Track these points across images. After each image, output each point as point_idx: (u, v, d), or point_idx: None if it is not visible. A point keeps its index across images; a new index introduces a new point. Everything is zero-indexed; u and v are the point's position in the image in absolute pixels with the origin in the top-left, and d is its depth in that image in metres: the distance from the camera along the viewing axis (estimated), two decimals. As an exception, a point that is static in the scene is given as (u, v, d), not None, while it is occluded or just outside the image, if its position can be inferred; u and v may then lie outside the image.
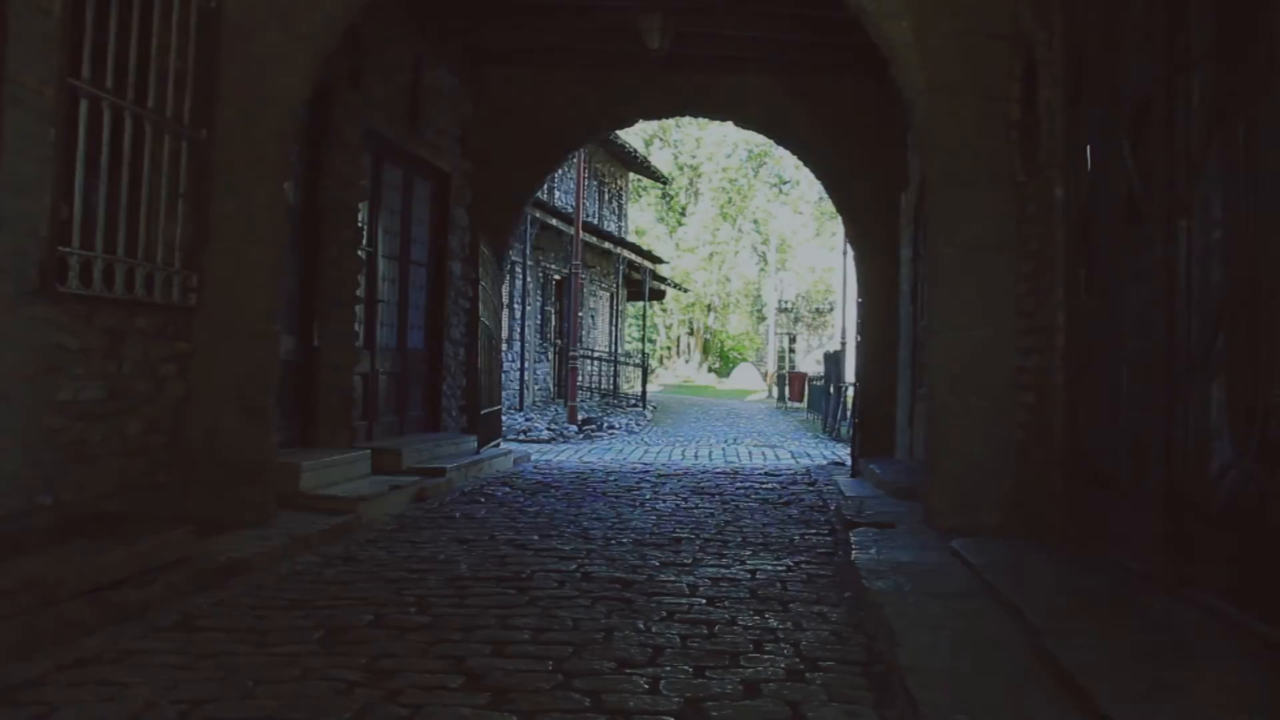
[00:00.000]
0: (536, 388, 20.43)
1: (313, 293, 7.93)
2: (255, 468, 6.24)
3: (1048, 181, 5.97)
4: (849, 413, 16.97)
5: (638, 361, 26.30)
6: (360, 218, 8.50)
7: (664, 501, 8.05)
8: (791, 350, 47.29)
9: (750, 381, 39.84)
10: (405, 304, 10.06)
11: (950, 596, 4.80)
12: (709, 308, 46.33)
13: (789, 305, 46.90)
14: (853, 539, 6.22)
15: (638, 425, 17.96)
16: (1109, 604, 4.38)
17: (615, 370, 23.57)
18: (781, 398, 27.35)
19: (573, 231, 19.93)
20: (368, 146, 8.72)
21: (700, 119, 14.13)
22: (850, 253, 22.90)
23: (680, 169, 43.26)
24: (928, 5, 6.58)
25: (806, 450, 13.80)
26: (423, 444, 9.27)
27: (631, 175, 27.42)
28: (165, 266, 5.77)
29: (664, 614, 4.52)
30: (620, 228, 26.17)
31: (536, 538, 6.34)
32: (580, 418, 17.09)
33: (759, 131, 12.01)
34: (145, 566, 4.82)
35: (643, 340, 28.59)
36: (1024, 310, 6.50)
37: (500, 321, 12.39)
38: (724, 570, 5.54)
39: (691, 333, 47.09)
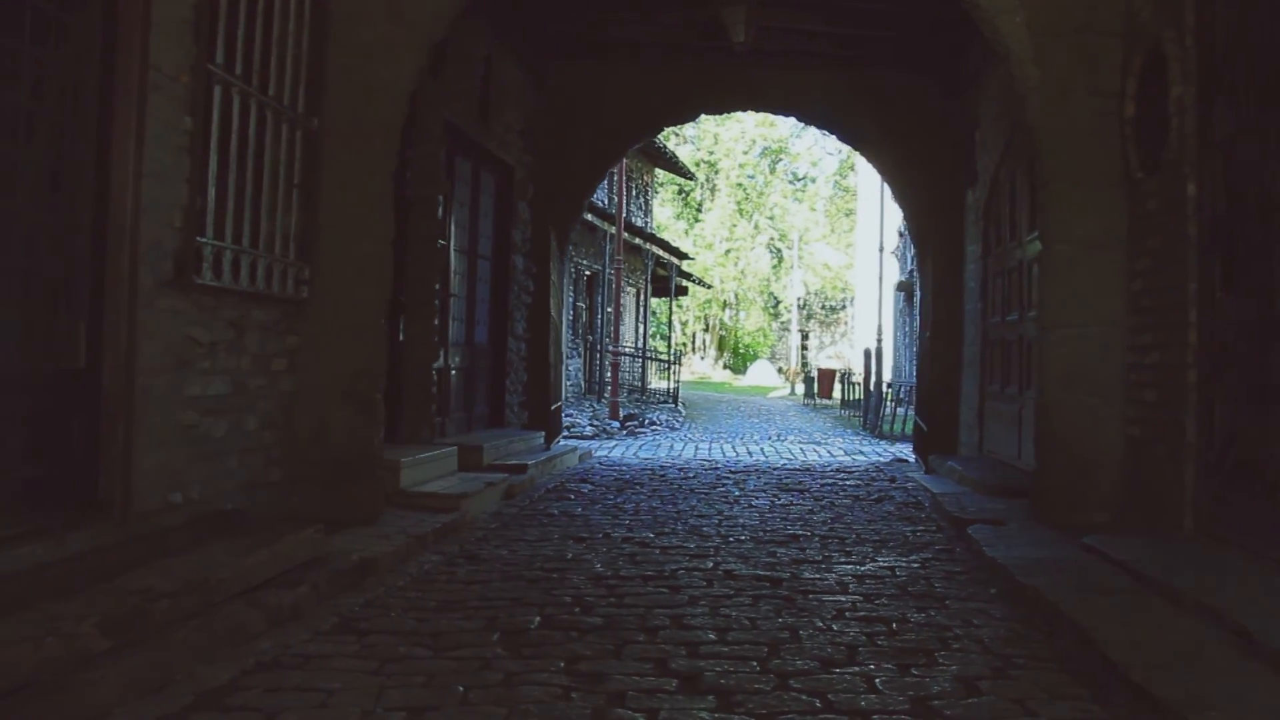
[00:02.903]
0: (569, 384, 20.26)
1: (398, 287, 7.77)
2: (365, 464, 6.10)
3: (1178, 178, 5.83)
4: (893, 409, 16.88)
5: (660, 356, 26.19)
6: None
7: (757, 499, 7.91)
8: (804, 347, 47.18)
9: (767, 378, 39.66)
10: (473, 298, 9.91)
11: (1112, 592, 4.68)
12: (724, 304, 46.16)
13: (803, 302, 46.80)
14: (975, 536, 6.10)
15: (677, 422, 17.81)
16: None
17: (644, 366, 23.44)
18: (809, 394, 27.22)
19: (604, 227, 19.79)
20: (443, 138, 8.57)
21: (753, 113, 13.91)
22: (886, 249, 22.86)
23: (697, 165, 43.04)
24: (1042, 1, 6.46)
25: (859, 448, 13.64)
26: (497, 440, 9.13)
27: (656, 170, 27.30)
28: (282, 258, 5.63)
29: (833, 612, 4.40)
30: (647, 223, 26.05)
31: (651, 535, 6.21)
32: (621, 414, 16.94)
33: (821, 127, 11.86)
34: (285, 567, 4.69)
35: (669, 336, 28.43)
36: (1140, 307, 6.38)
37: (563, 316, 12.25)
38: (860, 568, 5.41)
39: (707, 329, 46.92)
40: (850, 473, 10.03)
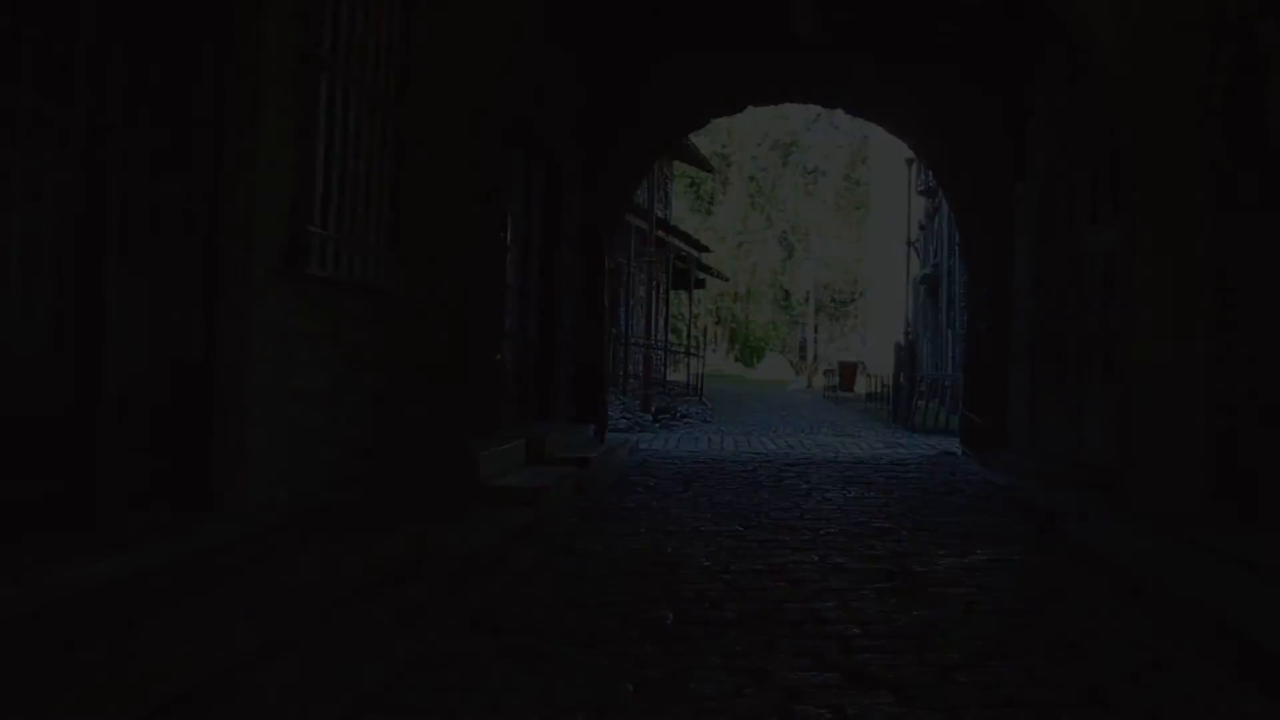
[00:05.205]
0: (594, 378, 20.14)
1: (467, 279, 7.68)
2: (452, 458, 6.04)
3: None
4: (925, 403, 16.82)
5: (676, 348, 26.10)
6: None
7: (826, 492, 7.84)
8: (815, 340, 47.12)
9: (780, 371, 39.58)
10: (524, 290, 9.82)
11: (1238, 585, 4.61)
12: (736, 297, 46.04)
13: (814, 295, 46.71)
14: (1066, 528, 6.04)
15: (708, 415, 17.74)
16: None
17: (665, 359, 23.35)
18: (831, 387, 27.16)
19: (629, 219, 19.65)
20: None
21: (802, 105, 13.81)
22: (913, 241, 22.77)
23: (710, 158, 42.87)
24: (1128, -7, 6.40)
25: (898, 441, 13.56)
26: (554, 433, 9.05)
27: (673, 163, 27.14)
28: (375, 248, 5.54)
29: (960, 605, 4.35)
30: (667, 215, 25.90)
31: (740, 528, 6.14)
32: (653, 407, 16.85)
33: (869, 119, 11.75)
34: (398, 563, 4.62)
35: (688, 329, 28.36)
36: (1230, 300, 6.32)
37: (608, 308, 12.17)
38: (964, 560, 5.36)
39: (719, 322, 46.80)
40: (905, 465, 9.96)
